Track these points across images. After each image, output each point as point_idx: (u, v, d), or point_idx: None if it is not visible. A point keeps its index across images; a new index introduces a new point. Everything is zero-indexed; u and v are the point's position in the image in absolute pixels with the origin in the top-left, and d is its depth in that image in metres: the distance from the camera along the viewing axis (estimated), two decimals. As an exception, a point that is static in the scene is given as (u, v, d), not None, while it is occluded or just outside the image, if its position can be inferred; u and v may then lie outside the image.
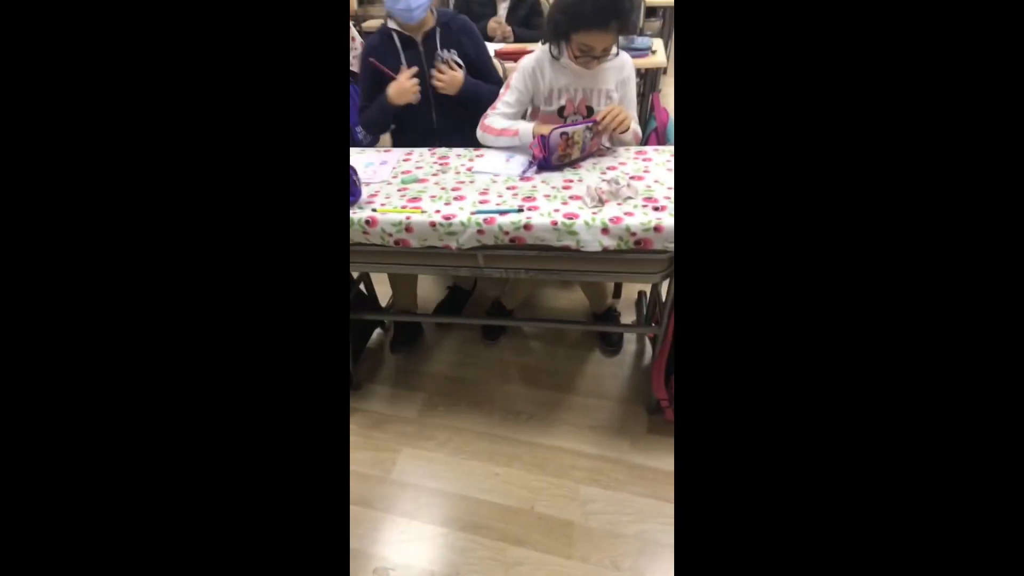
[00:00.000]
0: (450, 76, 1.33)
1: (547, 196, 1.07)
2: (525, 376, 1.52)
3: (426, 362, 1.61)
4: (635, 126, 1.26)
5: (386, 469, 1.31)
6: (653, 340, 1.55)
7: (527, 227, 1.00)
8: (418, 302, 1.66)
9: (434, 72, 1.33)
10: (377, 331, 1.70)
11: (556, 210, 1.02)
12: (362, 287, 1.61)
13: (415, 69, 1.32)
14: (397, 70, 1.35)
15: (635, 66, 1.37)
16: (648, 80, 1.88)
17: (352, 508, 1.23)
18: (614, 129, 1.16)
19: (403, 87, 1.30)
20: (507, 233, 1.01)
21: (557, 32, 1.16)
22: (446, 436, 1.38)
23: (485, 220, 1.01)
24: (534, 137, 1.18)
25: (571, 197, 1.06)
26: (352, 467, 1.32)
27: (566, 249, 1.01)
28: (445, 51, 1.37)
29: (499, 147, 1.28)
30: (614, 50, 1.19)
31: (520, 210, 1.02)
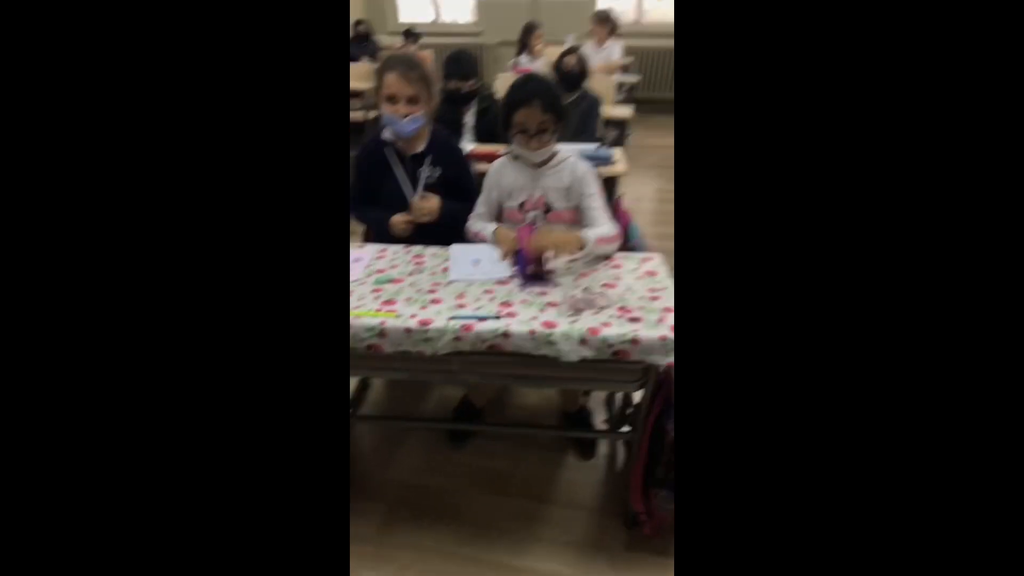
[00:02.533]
0: (429, 207, 1.43)
1: (524, 302, 1.07)
2: (495, 484, 1.43)
3: (387, 467, 1.49)
4: (605, 227, 1.29)
5: (337, 602, 1.15)
6: (627, 443, 1.51)
7: (506, 335, 0.98)
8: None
9: (414, 204, 1.44)
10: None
11: (534, 318, 1.01)
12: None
13: (409, 219, 1.44)
14: (387, 179, 1.48)
15: (600, 174, 1.49)
16: (611, 187, 2.03)
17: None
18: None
19: (401, 226, 1.43)
20: (484, 341, 0.99)
21: (503, 124, 1.35)
22: (409, 559, 1.24)
23: (463, 327, 0.99)
24: (496, 239, 1.30)
25: (548, 304, 1.07)
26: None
27: (543, 358, 1.00)
28: (427, 168, 1.47)
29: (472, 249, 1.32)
30: (557, 149, 1.37)
31: (498, 317, 1.01)
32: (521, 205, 1.38)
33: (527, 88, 1.29)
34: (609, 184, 2.02)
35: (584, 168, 1.37)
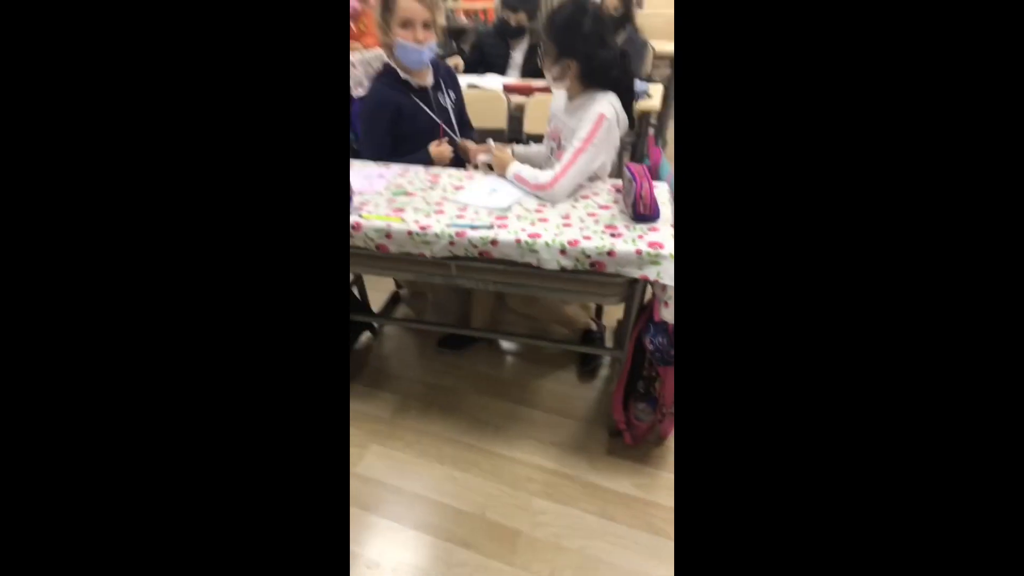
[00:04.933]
0: (501, 158, 1.36)
1: (518, 216, 1.16)
2: (496, 388, 1.58)
3: (407, 367, 1.69)
4: (546, 174, 1.23)
5: (352, 463, 1.38)
6: (615, 360, 1.60)
7: (494, 243, 1.08)
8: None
9: (483, 159, 1.42)
10: (366, 334, 1.79)
11: (523, 229, 1.10)
12: (355, 291, 1.72)
13: (446, 140, 1.47)
14: (417, 119, 1.44)
15: (636, 109, 1.48)
16: (644, 122, 1.99)
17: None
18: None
19: (443, 153, 1.45)
20: (476, 247, 1.10)
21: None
22: (414, 438, 1.44)
23: (456, 233, 1.10)
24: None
25: (540, 220, 1.15)
26: (321, 458, 1.39)
27: (528, 266, 1.09)
28: (448, 95, 1.50)
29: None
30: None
31: (491, 227, 1.11)
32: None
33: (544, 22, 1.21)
34: (642, 120, 1.99)
35: (594, 114, 1.22)
